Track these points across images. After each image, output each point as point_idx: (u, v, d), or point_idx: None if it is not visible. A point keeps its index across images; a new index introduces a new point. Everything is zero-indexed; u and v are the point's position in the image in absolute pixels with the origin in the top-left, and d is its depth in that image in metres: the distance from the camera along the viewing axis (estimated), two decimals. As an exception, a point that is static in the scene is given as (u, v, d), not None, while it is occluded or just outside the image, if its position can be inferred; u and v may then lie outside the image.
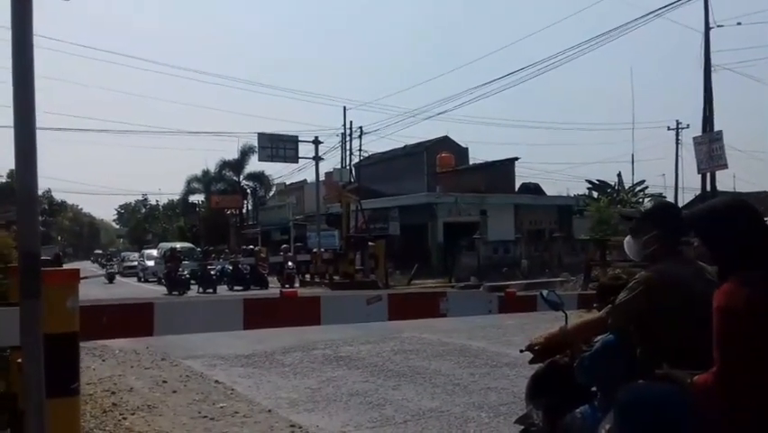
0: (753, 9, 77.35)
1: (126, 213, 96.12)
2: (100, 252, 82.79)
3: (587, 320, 2.96)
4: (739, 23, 26.80)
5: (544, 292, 3.50)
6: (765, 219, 2.37)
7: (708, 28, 25.17)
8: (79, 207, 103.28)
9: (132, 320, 3.70)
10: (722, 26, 25.61)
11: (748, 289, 2.12)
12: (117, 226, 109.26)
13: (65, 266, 13.82)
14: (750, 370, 2.09)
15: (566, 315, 3.22)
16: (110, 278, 35.23)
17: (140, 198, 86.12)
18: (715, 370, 2.14)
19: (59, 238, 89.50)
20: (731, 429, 2.14)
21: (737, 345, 2.10)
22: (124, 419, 5.59)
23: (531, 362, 3.34)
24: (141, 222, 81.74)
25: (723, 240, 2.30)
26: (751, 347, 2.08)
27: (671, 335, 2.56)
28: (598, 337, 3.00)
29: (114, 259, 50.75)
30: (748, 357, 2.09)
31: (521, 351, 3.31)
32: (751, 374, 2.09)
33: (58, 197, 79.83)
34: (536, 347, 3.16)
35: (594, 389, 3.05)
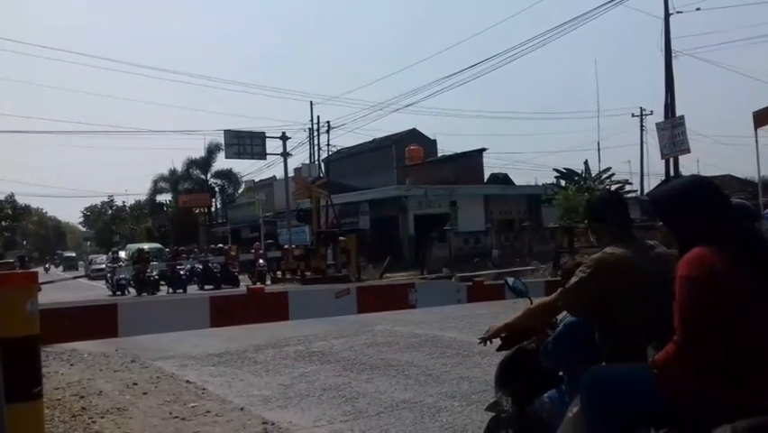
0: (711, -5, 78.67)
1: (92, 215, 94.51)
2: (72, 254, 78.26)
3: (538, 303, 2.99)
4: (698, 9, 27.41)
5: (510, 280, 3.53)
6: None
7: (667, 14, 25.64)
8: (44, 211, 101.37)
9: (95, 322, 3.63)
10: (681, 12, 26.09)
11: (708, 258, 2.17)
12: (84, 229, 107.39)
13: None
14: (710, 339, 2.13)
15: (531, 301, 3.24)
16: (120, 288, 25.30)
17: (106, 199, 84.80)
18: (676, 339, 2.17)
19: (25, 243, 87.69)
20: (696, 405, 2.18)
21: (698, 313, 2.14)
22: (94, 422, 5.49)
23: (499, 349, 3.35)
24: (108, 224, 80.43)
25: (680, 218, 2.35)
26: (710, 315, 2.13)
27: (625, 315, 2.61)
28: (561, 319, 3.04)
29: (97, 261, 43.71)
30: (708, 326, 2.13)
31: (478, 341, 3.28)
32: (713, 344, 2.13)
33: (21, 201, 78.06)
34: (502, 334, 3.17)
35: (561, 373, 3.08)
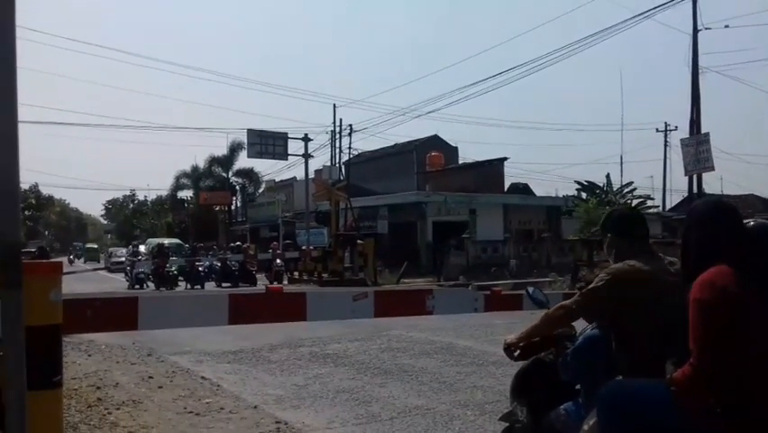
0: (740, 12, 78.01)
1: (114, 208, 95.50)
2: (95, 246, 76.48)
3: (555, 307, 3.00)
4: (727, 26, 27.08)
5: (530, 290, 3.52)
6: (746, 221, 2.41)
7: (696, 30, 25.40)
8: (67, 202, 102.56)
9: (116, 314, 3.67)
10: (710, 29, 25.84)
11: (720, 281, 2.18)
12: (105, 222, 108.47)
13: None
14: (727, 360, 2.13)
15: None
16: (139, 281, 24.88)
17: (128, 193, 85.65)
18: (692, 361, 2.17)
19: (46, 233, 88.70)
20: (713, 421, 2.17)
21: (714, 336, 2.14)
22: (109, 413, 5.55)
23: (516, 359, 3.34)
24: (129, 217, 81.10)
25: (693, 240, 2.38)
26: (723, 338, 2.13)
27: (641, 328, 2.61)
28: (580, 333, 3.03)
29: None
30: (725, 348, 2.13)
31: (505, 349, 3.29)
32: (728, 365, 2.13)
33: (45, 191, 78.96)
34: (521, 344, 3.16)
35: (578, 386, 3.06)
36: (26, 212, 73.75)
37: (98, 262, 55.50)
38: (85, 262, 60.32)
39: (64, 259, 51.13)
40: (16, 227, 2.28)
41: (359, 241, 25.10)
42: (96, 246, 75.08)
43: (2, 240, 2.21)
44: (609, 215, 3.21)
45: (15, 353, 2.25)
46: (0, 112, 2.23)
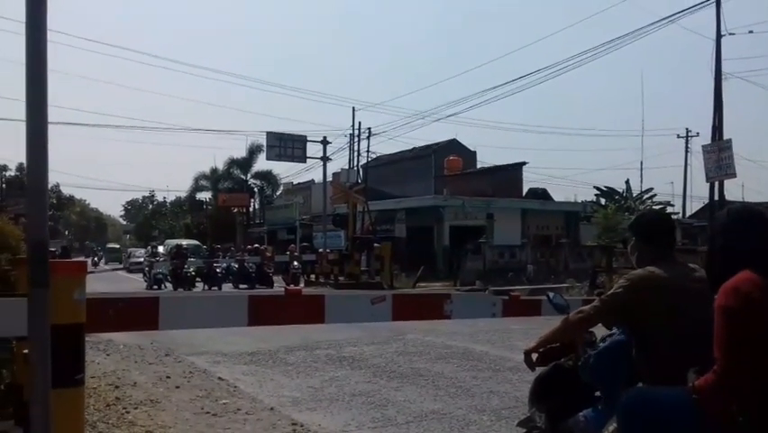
0: (765, 18, 77.19)
1: (133, 209, 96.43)
2: (116, 246, 72.15)
3: (575, 312, 2.98)
4: (751, 32, 26.76)
5: (551, 295, 3.50)
6: None
7: (719, 36, 25.06)
8: (87, 202, 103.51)
9: (138, 314, 3.71)
10: (734, 34, 25.52)
11: (745, 288, 2.16)
12: (124, 222, 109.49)
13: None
14: (752, 368, 2.11)
15: None
16: (157, 282, 24.82)
17: (147, 194, 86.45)
18: (716, 369, 2.15)
19: (67, 233, 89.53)
20: (735, 430, 2.15)
21: (738, 343, 2.13)
22: (127, 412, 5.60)
23: (535, 365, 3.33)
24: (148, 218, 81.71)
25: (718, 246, 2.36)
26: (748, 345, 2.11)
27: (662, 335, 2.59)
28: (602, 338, 3.02)
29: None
30: (749, 355, 2.11)
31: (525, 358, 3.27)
32: (753, 372, 2.11)
33: (66, 191, 79.71)
34: (540, 349, 3.15)
35: (598, 393, 3.05)
36: (48, 212, 73.90)
37: (120, 262, 55.17)
38: (106, 262, 60.07)
39: (83, 259, 50.78)
40: (44, 227, 2.33)
41: (376, 244, 25.12)
42: (117, 246, 74.21)
43: (30, 240, 2.25)
44: (639, 218, 3.17)
45: (41, 350, 2.29)
46: (31, 115, 2.27)
